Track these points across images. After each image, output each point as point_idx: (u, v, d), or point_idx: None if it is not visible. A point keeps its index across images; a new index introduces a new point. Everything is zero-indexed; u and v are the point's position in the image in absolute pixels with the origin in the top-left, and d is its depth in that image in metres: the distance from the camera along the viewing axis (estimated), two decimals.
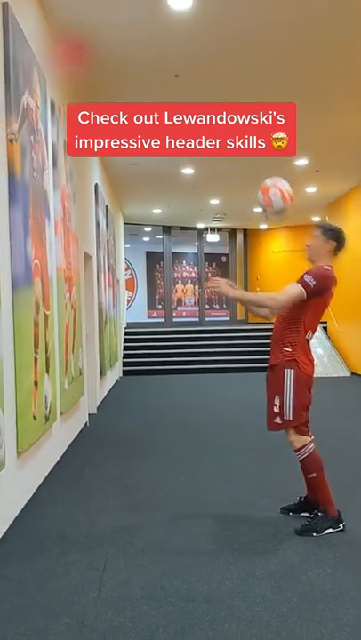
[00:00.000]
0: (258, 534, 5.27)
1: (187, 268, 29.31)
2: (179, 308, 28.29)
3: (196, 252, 27.92)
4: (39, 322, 6.58)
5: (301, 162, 15.31)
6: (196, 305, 28.32)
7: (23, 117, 6.12)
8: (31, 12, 6.86)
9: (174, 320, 26.30)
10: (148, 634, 3.68)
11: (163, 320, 26.64)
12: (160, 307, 28.66)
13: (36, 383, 6.34)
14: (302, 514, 5.58)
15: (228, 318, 28.32)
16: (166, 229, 26.08)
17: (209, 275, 27.89)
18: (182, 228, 26.61)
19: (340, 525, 5.27)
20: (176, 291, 28.22)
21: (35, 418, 6.25)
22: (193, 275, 29.20)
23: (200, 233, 27.23)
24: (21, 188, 5.99)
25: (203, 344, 20.74)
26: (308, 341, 5.31)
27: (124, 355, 19.75)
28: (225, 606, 4.01)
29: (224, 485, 6.78)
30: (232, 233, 27.98)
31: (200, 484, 6.80)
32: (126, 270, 26.08)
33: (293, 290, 5.15)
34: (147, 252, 30.27)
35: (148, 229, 27.06)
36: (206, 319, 27.58)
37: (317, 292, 5.16)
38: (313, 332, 5.34)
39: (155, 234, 27.51)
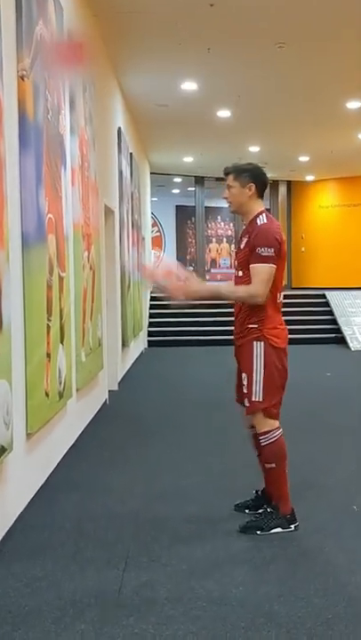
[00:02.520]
0: (300, 530, 5.25)
1: (222, 224, 29.24)
2: (212, 271, 28.27)
3: None
4: (53, 285, 6.57)
5: (355, 104, 15.11)
6: (233, 267, 28.22)
7: (36, 51, 6.06)
8: None
9: (208, 284, 26.18)
10: None
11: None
12: (191, 268, 28.60)
13: (48, 355, 6.34)
14: (260, 511, 5.47)
15: None
16: (199, 180, 25.96)
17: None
18: (217, 180, 26.44)
19: (292, 526, 5.22)
20: (209, 250, 28.19)
21: (47, 394, 6.25)
22: (229, 232, 29.12)
23: None
24: (34, 132, 5.94)
25: None
26: (278, 305, 5.25)
27: (150, 323, 19.75)
28: (262, 611, 3.99)
29: (261, 473, 6.74)
30: (274, 185, 27.83)
31: (233, 471, 6.80)
32: (153, 227, 26.06)
33: (263, 272, 5.05)
34: (176, 207, 30.22)
35: (177, 180, 26.97)
36: None
37: (277, 254, 5.09)
38: (281, 292, 5.28)
39: (185, 185, 27.41)
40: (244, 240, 5.22)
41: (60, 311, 6.90)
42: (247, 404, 5.22)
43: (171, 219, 29.94)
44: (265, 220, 5.19)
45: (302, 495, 5.91)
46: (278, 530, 5.18)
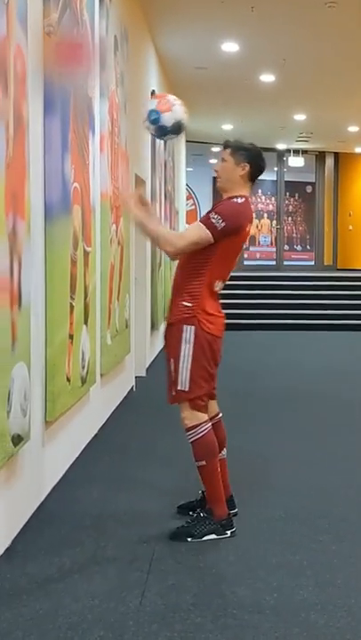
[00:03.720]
0: (343, 532, 5.24)
1: (263, 198, 29.10)
2: (251, 249, 28.14)
3: (274, 179, 27.74)
4: (77, 260, 6.55)
5: None
6: (273, 245, 28.18)
7: (64, 6, 6.04)
8: None
9: (245, 263, 26.19)
10: None
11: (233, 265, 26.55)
12: None
13: (71, 337, 6.33)
14: (193, 515, 5.38)
15: (313, 262, 28.14)
16: None
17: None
18: None
19: (228, 532, 5.15)
20: (250, 228, 28.07)
21: (68, 380, 6.24)
22: (270, 207, 29.01)
23: (280, 156, 27.01)
24: (60, 93, 5.92)
25: (280, 294, 20.60)
26: (215, 293, 5.18)
27: None
28: (298, 620, 3.98)
29: (301, 469, 6.78)
30: (320, 157, 27.70)
31: (269, 467, 6.81)
32: (188, 199, 25.99)
33: (196, 233, 5.01)
34: (214, 178, 30.11)
35: (215, 150, 26.84)
36: (285, 263, 27.45)
37: (227, 233, 5.01)
38: (223, 282, 5.21)
39: None
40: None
41: (85, 289, 6.88)
42: (173, 393, 5.17)
43: (207, 191, 29.79)
44: (240, 201, 5.14)
45: (347, 495, 5.89)
46: (212, 537, 5.10)
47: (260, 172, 5.29)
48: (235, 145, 5.26)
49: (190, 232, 5.10)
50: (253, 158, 5.23)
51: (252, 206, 5.29)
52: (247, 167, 5.19)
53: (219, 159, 5.31)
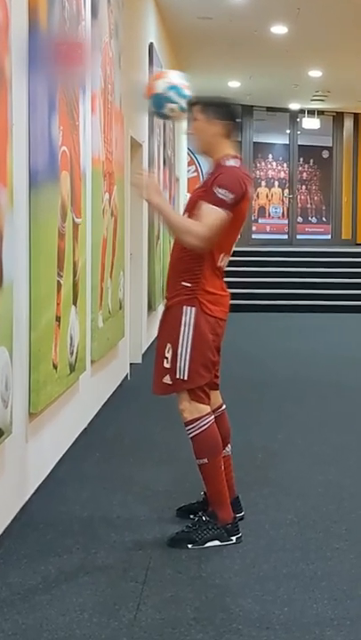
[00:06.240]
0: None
1: (273, 164, 29.04)
2: (260, 221, 28.11)
3: (287, 142, 27.71)
4: (66, 233, 6.55)
5: None
6: (285, 217, 28.16)
7: None
8: None
9: (253, 237, 26.19)
10: None
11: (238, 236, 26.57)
12: None
13: (58, 318, 6.33)
14: (195, 519, 5.40)
15: (330, 237, 28.12)
16: (247, 110, 25.83)
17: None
18: (269, 110, 26.39)
19: (233, 538, 5.16)
20: (258, 196, 28.02)
21: (55, 367, 6.24)
22: (282, 174, 28.95)
23: (294, 117, 26.98)
24: (47, 47, 5.88)
25: (293, 271, 20.68)
26: (219, 270, 5.20)
27: None
28: (312, 637, 4.00)
29: (314, 467, 6.81)
30: (338, 118, 27.67)
31: (279, 465, 6.83)
32: (189, 165, 25.93)
33: (213, 217, 4.98)
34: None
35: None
36: (298, 237, 27.43)
37: (236, 203, 5.04)
38: (228, 255, 5.24)
39: None
40: (203, 181, 5.24)
41: (74, 266, 6.87)
42: (169, 382, 5.17)
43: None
44: (234, 164, 5.15)
45: None
46: (215, 543, 5.11)
47: (236, 125, 5.35)
48: (202, 99, 5.27)
49: (208, 217, 5.00)
50: (227, 113, 5.27)
51: (243, 165, 5.30)
52: (221, 124, 5.20)
53: (190, 121, 5.31)
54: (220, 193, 4.97)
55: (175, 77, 5.23)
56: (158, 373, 5.24)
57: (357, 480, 6.48)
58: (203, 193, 5.09)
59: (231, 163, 5.14)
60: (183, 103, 5.15)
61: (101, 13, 8.11)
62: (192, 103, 5.24)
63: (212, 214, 4.98)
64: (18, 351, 5.30)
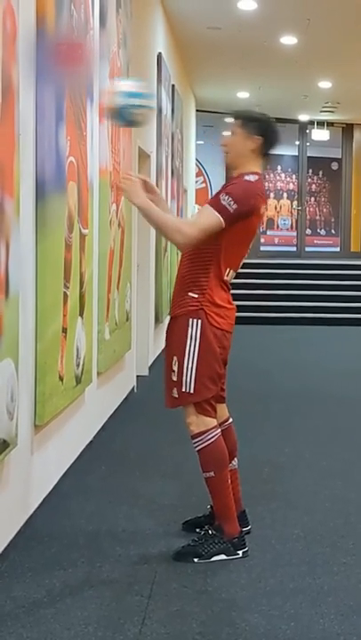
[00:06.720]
0: None
1: (282, 176, 29.04)
2: (269, 233, 28.10)
3: (296, 154, 27.71)
4: (72, 244, 6.55)
5: None
6: (294, 229, 28.14)
7: None
8: None
9: (262, 249, 26.17)
10: None
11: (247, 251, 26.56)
12: None
13: (64, 330, 6.33)
14: (201, 533, 5.38)
15: (339, 249, 28.09)
16: None
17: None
18: (278, 121, 26.16)
19: (240, 552, 5.15)
20: (266, 208, 28.09)
21: (61, 379, 6.24)
22: (291, 186, 28.95)
23: (303, 128, 26.98)
24: (52, 52, 5.89)
25: (301, 284, 20.65)
26: (225, 283, 5.19)
27: None
28: None
29: (321, 481, 6.80)
30: (348, 129, 27.67)
31: (286, 479, 6.82)
32: (198, 176, 25.94)
33: (207, 220, 4.99)
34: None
35: (229, 120, 26.91)
36: (307, 249, 27.41)
37: (240, 216, 5.02)
38: (235, 270, 5.23)
39: None
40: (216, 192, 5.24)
41: (81, 277, 6.88)
42: (175, 395, 5.17)
43: (220, 167, 29.72)
44: (252, 178, 5.15)
45: None
46: (222, 557, 5.09)
47: (273, 146, 5.30)
48: (246, 115, 5.29)
49: (201, 218, 5.06)
50: (267, 131, 5.25)
51: (265, 184, 5.27)
52: (259, 140, 5.20)
53: (229, 133, 5.32)
54: (225, 200, 4.97)
55: (125, 85, 5.19)
56: (168, 387, 5.25)
57: None
58: (211, 200, 5.11)
59: (249, 178, 5.13)
60: (148, 102, 5.13)
61: (110, 23, 8.12)
62: (234, 117, 5.29)
63: (208, 217, 4.99)
64: (24, 363, 5.30)
